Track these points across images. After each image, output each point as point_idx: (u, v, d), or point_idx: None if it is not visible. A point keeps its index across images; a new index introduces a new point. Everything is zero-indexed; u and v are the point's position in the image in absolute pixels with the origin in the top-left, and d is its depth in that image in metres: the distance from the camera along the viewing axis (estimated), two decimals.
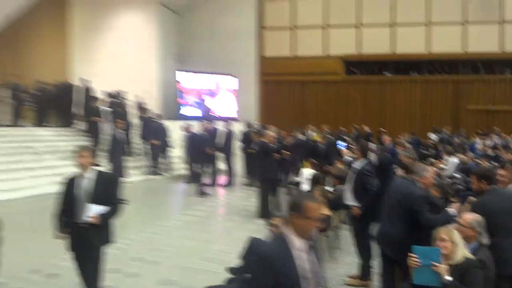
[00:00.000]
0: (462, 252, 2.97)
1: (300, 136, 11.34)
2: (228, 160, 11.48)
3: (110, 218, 3.73)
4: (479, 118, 15.90)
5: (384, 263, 4.07)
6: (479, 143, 12.32)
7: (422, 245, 3.11)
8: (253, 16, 17.36)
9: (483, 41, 15.71)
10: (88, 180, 3.65)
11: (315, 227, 2.22)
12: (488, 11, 15.75)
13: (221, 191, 10.78)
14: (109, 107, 12.24)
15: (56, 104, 12.97)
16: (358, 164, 5.04)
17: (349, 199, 4.96)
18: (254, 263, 2.20)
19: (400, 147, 8.15)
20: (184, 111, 15.73)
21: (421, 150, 11.37)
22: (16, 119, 12.51)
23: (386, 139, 9.52)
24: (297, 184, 7.42)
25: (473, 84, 16.14)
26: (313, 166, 8.13)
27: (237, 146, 11.79)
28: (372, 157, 6.03)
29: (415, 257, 3.00)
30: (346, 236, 5.80)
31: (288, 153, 8.72)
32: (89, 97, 12.46)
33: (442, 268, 2.90)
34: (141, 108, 13.25)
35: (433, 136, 13.61)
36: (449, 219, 3.67)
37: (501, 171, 4.08)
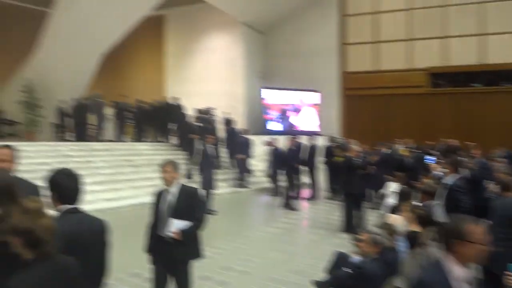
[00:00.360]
0: None
1: (385, 150, 11.17)
2: (311, 174, 11.63)
3: (192, 233, 3.65)
4: None
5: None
6: None
7: None
8: (334, 33, 17.46)
9: None
10: (171, 194, 3.64)
11: (481, 252, 2.00)
12: None
13: (305, 205, 10.92)
14: (200, 123, 13.01)
15: (153, 121, 14.09)
16: (449, 180, 4.93)
17: (440, 216, 4.87)
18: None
19: (494, 161, 7.73)
20: (269, 126, 16.20)
21: None
22: (119, 135, 13.81)
23: (477, 153, 9.06)
24: (382, 197, 7.35)
25: None
26: (400, 180, 7.99)
27: (320, 160, 11.91)
28: (464, 172, 5.83)
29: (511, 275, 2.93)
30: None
31: (373, 167, 8.66)
32: (182, 114, 13.39)
33: None
34: (229, 123, 13.88)
35: None
36: None
37: None
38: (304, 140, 12.07)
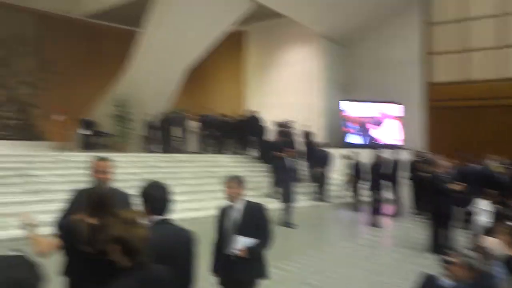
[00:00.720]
0: None
1: (476, 166, 10.43)
2: (395, 189, 11.18)
3: (259, 251, 3.47)
4: None
5: None
6: None
7: None
8: (419, 43, 16.78)
9: None
10: (236, 211, 3.49)
11: None
12: None
13: (387, 221, 10.53)
14: (279, 136, 13.11)
15: (234, 134, 14.47)
16: None
17: None
18: None
19: None
20: (349, 139, 15.91)
21: None
22: (202, 147, 14.36)
23: None
24: (471, 216, 6.87)
25: None
26: (492, 199, 7.42)
27: (404, 175, 11.42)
28: None
29: None
30: None
31: (463, 184, 8.12)
32: (261, 127, 13.61)
33: None
34: (308, 136, 13.83)
35: None
36: None
37: None
38: (386, 153, 11.67)
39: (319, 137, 14.46)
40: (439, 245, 7.14)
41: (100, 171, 3.21)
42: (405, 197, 11.52)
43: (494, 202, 6.94)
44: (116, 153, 11.89)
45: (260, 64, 18.71)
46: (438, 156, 10.62)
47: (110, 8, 17.01)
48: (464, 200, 8.51)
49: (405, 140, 16.12)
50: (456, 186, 7.70)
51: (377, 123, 16.35)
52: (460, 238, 7.53)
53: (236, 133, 14.35)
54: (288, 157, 9.89)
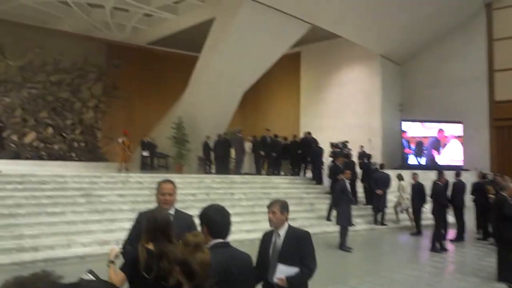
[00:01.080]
0: None
1: None
2: (458, 213, 10.63)
3: (300, 281, 3.27)
4: None
5: None
6: None
7: None
8: (481, 60, 16.12)
9: None
10: (279, 237, 3.33)
11: None
12: None
13: (450, 246, 10.01)
14: (335, 157, 12.95)
15: (289, 155, 14.47)
16: None
17: None
18: None
19: None
20: (409, 160, 15.44)
21: None
22: (258, 169, 14.46)
23: None
24: None
25: None
26: None
27: (468, 198, 10.86)
28: None
29: None
30: None
31: None
32: (317, 148, 13.51)
33: None
34: (365, 157, 13.57)
35: None
36: None
37: None
38: (447, 175, 11.16)
39: (377, 158, 14.14)
40: (509, 274, 6.70)
41: (165, 193, 3.31)
42: (469, 221, 10.92)
43: None
44: (174, 174, 12.26)
45: (315, 84, 18.80)
46: (506, 178, 10.03)
47: (170, 34, 17.89)
48: None
49: (466, 161, 15.40)
50: None
51: (438, 143, 15.76)
52: None
53: (291, 154, 14.34)
54: (345, 178, 9.72)
